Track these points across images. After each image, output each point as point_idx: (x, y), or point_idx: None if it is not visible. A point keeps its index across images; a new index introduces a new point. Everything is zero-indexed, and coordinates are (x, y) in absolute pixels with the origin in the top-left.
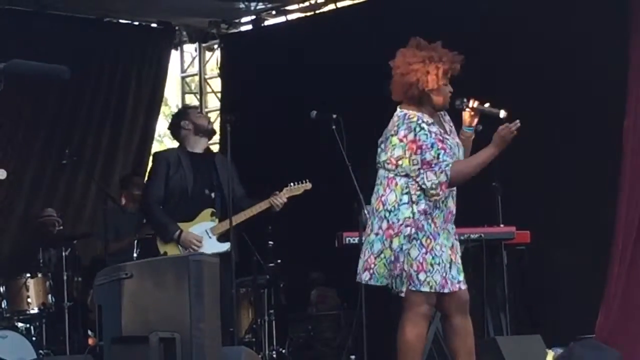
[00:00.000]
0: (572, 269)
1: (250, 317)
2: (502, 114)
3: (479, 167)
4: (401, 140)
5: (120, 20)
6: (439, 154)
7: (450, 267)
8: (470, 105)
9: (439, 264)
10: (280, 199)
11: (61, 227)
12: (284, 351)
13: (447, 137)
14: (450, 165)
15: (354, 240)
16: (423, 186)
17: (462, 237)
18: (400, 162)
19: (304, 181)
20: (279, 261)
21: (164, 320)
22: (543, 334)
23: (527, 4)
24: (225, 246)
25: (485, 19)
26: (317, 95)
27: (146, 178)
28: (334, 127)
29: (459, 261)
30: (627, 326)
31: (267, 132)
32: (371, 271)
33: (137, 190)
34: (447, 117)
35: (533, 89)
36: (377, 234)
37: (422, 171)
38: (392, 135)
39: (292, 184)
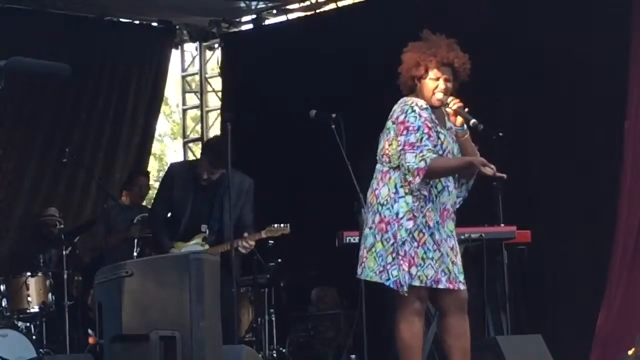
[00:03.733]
0: (573, 268)
1: (250, 316)
2: (472, 122)
3: (455, 171)
4: (394, 123)
5: (121, 19)
6: (422, 138)
7: (453, 265)
8: (450, 105)
9: (431, 259)
10: (247, 242)
11: (62, 227)
12: (284, 350)
13: (441, 130)
14: (433, 155)
15: (354, 239)
16: (403, 169)
17: (462, 237)
18: (391, 150)
19: (283, 225)
20: (279, 260)
21: (164, 319)
22: (544, 334)
23: (528, 4)
24: None
25: (485, 19)
26: (317, 94)
27: (155, 193)
28: (333, 126)
29: (459, 261)
30: (628, 325)
31: (267, 131)
32: (363, 265)
33: (139, 190)
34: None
35: (533, 89)
36: (370, 228)
37: (402, 152)
38: (388, 120)
39: (274, 225)
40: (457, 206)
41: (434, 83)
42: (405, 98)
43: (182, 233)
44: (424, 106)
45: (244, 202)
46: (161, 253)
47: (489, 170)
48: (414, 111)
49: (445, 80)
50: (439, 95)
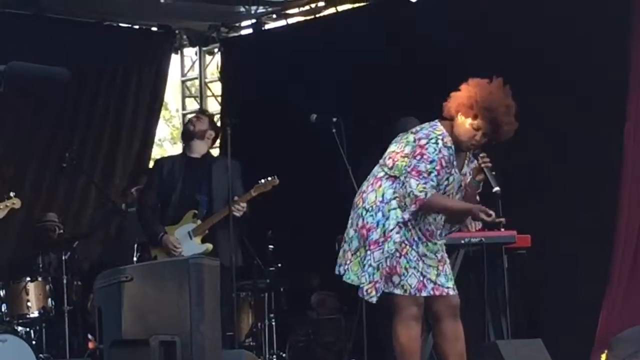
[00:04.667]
0: (573, 273)
1: (250, 321)
2: (496, 189)
3: (450, 212)
4: (415, 141)
5: (121, 24)
6: (431, 172)
7: (437, 275)
8: (480, 160)
9: (414, 268)
10: (239, 205)
11: (61, 232)
12: (284, 355)
13: (455, 171)
14: (433, 191)
15: None
16: (404, 189)
17: (462, 242)
18: (401, 160)
19: (271, 178)
20: (279, 265)
21: (164, 324)
22: (544, 338)
23: (528, 4)
24: (204, 247)
25: (485, 20)
26: (317, 98)
27: (145, 183)
28: (334, 130)
29: (447, 270)
30: (629, 327)
31: (268, 135)
32: (346, 267)
33: None
34: (473, 164)
35: (533, 93)
36: (355, 231)
37: (409, 176)
38: (412, 133)
39: (261, 181)
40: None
41: (473, 132)
42: (438, 124)
43: (172, 216)
44: (448, 144)
45: (233, 177)
46: (153, 241)
47: (487, 218)
48: (436, 143)
49: (484, 134)
50: (471, 144)
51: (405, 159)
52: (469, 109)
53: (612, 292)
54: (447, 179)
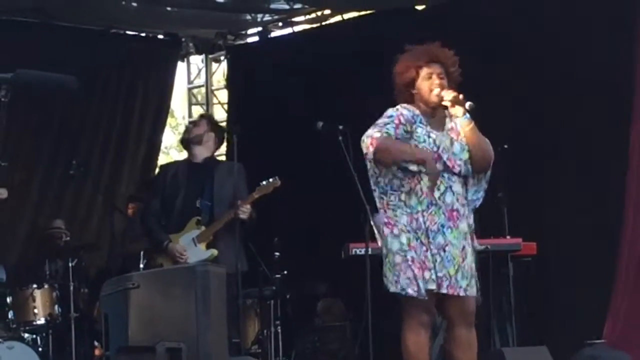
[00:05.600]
0: (579, 280)
1: (256, 328)
2: (468, 105)
3: (401, 154)
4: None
5: (127, 32)
6: (387, 124)
7: (456, 271)
8: (446, 97)
9: (437, 262)
10: (243, 207)
11: (68, 239)
12: None
13: (433, 130)
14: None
15: (360, 251)
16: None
17: None
18: None
19: (272, 180)
20: (285, 272)
21: (170, 330)
22: (549, 345)
23: (530, 5)
24: (209, 253)
25: (486, 26)
26: (323, 106)
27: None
28: (340, 137)
29: (467, 267)
30: (635, 335)
31: (274, 142)
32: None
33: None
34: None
35: (537, 99)
36: (382, 238)
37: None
38: None
39: (262, 182)
40: (477, 204)
41: (428, 81)
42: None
43: (176, 222)
44: (410, 109)
45: (237, 180)
46: (158, 249)
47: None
48: (396, 108)
49: (438, 76)
50: (436, 90)
51: None
52: (409, 71)
53: (618, 299)
54: (429, 136)
